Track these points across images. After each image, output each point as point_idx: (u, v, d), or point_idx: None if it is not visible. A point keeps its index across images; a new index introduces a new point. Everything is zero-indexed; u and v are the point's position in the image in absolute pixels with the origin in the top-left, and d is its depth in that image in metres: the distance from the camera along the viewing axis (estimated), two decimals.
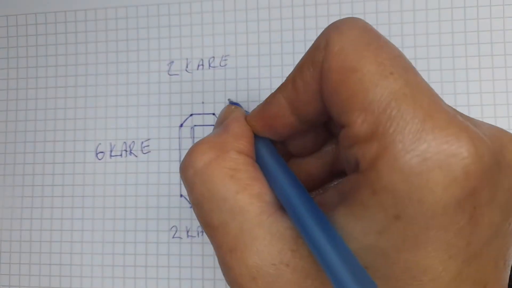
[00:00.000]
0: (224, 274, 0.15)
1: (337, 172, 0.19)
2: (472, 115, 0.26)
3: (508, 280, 0.15)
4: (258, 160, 0.17)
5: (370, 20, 0.27)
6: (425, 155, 0.12)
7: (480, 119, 0.25)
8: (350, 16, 0.27)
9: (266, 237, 0.14)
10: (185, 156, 0.16)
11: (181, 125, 0.28)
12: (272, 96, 0.17)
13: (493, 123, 0.25)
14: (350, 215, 0.13)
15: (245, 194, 0.15)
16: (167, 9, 0.29)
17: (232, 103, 0.23)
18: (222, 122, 0.18)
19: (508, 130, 0.25)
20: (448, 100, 0.26)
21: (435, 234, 0.12)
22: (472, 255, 0.12)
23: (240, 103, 0.27)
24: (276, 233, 0.14)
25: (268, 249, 0.14)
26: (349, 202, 0.13)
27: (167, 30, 0.28)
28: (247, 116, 0.18)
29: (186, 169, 0.16)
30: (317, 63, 0.14)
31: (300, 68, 0.15)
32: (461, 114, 0.14)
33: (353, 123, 0.13)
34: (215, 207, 0.15)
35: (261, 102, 0.18)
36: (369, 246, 0.13)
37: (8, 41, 0.30)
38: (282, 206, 0.15)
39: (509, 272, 0.15)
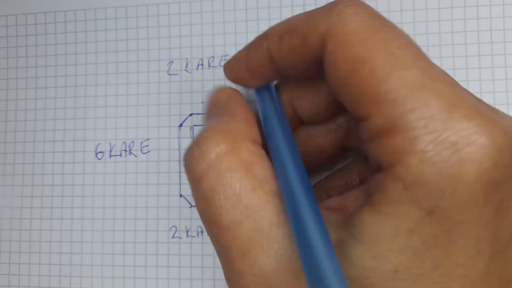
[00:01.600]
0: (230, 281, 0.14)
1: (348, 147, 0.18)
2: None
3: None
4: (261, 113, 0.16)
5: None
6: (456, 146, 0.11)
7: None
8: None
9: (285, 240, 0.13)
10: (193, 146, 0.14)
11: (181, 125, 0.28)
12: (256, 42, 0.16)
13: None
14: (380, 214, 0.12)
15: (262, 191, 0.14)
16: (166, 8, 0.29)
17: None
18: (222, 106, 0.17)
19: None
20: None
21: (466, 228, 0.12)
22: (498, 250, 0.12)
23: None
24: None
25: (288, 253, 0.13)
26: (378, 200, 0.13)
27: (167, 30, 0.28)
28: (225, 65, 0.16)
29: (197, 160, 0.14)
30: (310, 44, 0.14)
31: (289, 31, 0.14)
32: (484, 103, 0.14)
33: (370, 117, 0.12)
34: (227, 204, 0.13)
35: (237, 51, 0.16)
36: (400, 246, 0.12)
37: (7, 41, 0.30)
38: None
39: None
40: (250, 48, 0.16)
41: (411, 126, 0.12)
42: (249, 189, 0.13)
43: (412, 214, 0.12)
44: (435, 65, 0.13)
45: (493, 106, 0.25)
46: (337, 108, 0.17)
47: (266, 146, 0.15)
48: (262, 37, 0.16)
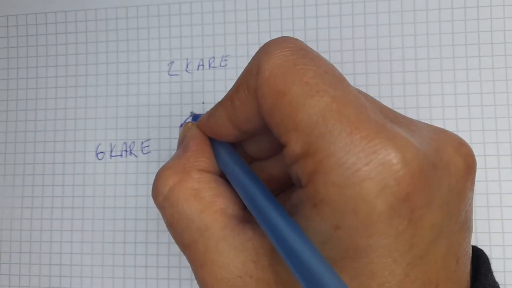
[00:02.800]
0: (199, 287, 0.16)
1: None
2: (472, 115, 0.26)
3: (468, 277, 0.15)
4: (219, 163, 0.18)
5: (370, 20, 0.27)
6: (355, 167, 0.12)
7: (480, 120, 0.25)
8: (351, 15, 0.27)
9: (230, 251, 0.15)
10: (153, 183, 0.17)
11: (181, 126, 0.28)
12: (215, 109, 0.17)
13: (493, 124, 0.25)
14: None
15: (209, 212, 0.16)
16: (167, 9, 0.29)
17: (195, 116, 0.24)
18: (181, 142, 0.19)
19: (507, 130, 0.25)
20: (449, 100, 0.26)
21: (375, 241, 0.12)
22: (417, 256, 0.13)
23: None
24: (239, 245, 0.15)
25: (233, 262, 0.15)
26: (296, 215, 0.14)
27: (167, 30, 0.28)
28: (196, 124, 0.19)
29: (156, 196, 0.17)
30: (251, 87, 0.15)
31: (236, 89, 0.16)
32: (397, 119, 0.15)
33: (289, 143, 0.14)
34: (185, 227, 0.16)
35: (208, 110, 0.18)
36: None
37: (8, 41, 0.30)
38: (244, 218, 0.16)
39: (467, 268, 0.15)
40: (210, 115, 0.18)
41: (319, 150, 0.13)
42: (199, 211, 0.16)
43: (321, 228, 0.13)
44: (349, 89, 0.14)
45: (493, 106, 0.25)
46: (280, 145, 0.19)
47: (221, 165, 0.18)
48: (218, 104, 0.18)
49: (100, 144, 0.29)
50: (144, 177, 0.28)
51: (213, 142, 0.18)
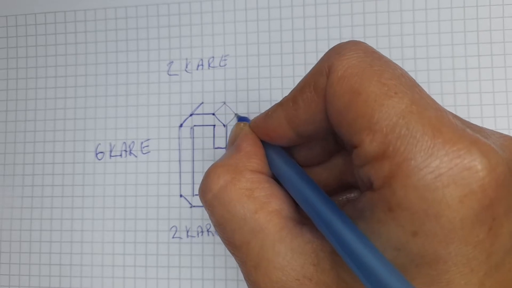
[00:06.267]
0: None
1: (346, 184, 0.19)
2: (471, 115, 0.26)
3: None
4: (272, 167, 0.17)
5: (369, 19, 0.27)
6: (438, 171, 0.12)
7: (480, 119, 0.25)
8: (350, 14, 0.27)
9: (287, 253, 0.15)
10: (202, 180, 0.17)
11: (181, 125, 0.28)
12: (273, 110, 0.17)
13: (492, 123, 0.25)
14: (368, 232, 0.13)
15: (263, 212, 0.15)
16: (166, 9, 0.29)
17: (240, 118, 0.24)
18: (234, 141, 0.19)
19: (506, 129, 0.25)
20: (448, 100, 0.26)
21: (454, 249, 0.12)
22: (494, 266, 0.12)
23: (240, 101, 0.27)
24: (297, 248, 0.15)
25: (291, 264, 0.15)
26: (367, 219, 0.13)
27: (167, 30, 0.28)
28: (249, 125, 0.19)
29: (205, 193, 0.16)
30: (320, 87, 0.15)
31: (301, 89, 0.16)
32: (471, 126, 0.14)
33: (362, 143, 0.13)
34: (236, 228, 0.15)
35: (263, 112, 0.18)
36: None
37: (7, 41, 0.30)
38: (300, 220, 0.16)
39: None
40: (267, 116, 0.18)
41: (398, 152, 0.12)
42: (252, 212, 0.15)
43: (396, 234, 0.13)
44: (425, 94, 0.14)
45: (492, 106, 0.25)
46: (331, 152, 0.19)
47: (275, 169, 0.17)
48: (277, 106, 0.17)
49: (99, 144, 0.29)
50: (144, 177, 0.28)
51: (265, 145, 0.18)
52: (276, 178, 0.17)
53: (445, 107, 0.25)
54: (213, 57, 0.28)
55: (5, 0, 0.30)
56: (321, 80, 0.15)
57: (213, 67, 0.28)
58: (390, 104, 0.13)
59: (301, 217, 0.16)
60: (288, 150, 0.18)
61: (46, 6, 0.30)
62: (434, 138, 0.12)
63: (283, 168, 0.17)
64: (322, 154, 0.18)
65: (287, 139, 0.17)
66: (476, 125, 0.15)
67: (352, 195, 0.19)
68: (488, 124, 0.25)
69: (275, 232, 0.15)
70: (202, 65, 0.28)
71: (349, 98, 0.14)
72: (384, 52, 0.26)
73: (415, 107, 0.13)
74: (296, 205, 0.17)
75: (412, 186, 0.12)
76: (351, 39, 0.16)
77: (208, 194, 0.16)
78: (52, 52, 0.30)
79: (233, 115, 0.27)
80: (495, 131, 0.15)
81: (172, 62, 0.28)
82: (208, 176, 0.16)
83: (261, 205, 0.16)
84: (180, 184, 0.27)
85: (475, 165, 0.12)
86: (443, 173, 0.12)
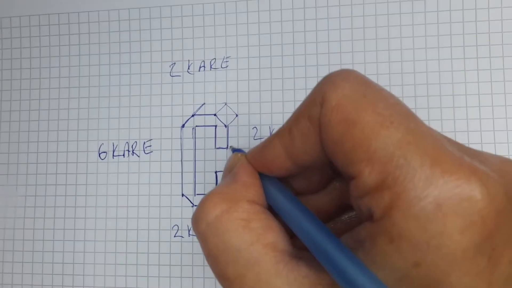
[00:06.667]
0: None
1: (345, 206, 0.19)
2: (469, 117, 0.26)
3: None
4: (269, 199, 0.17)
5: (369, 22, 0.27)
6: (438, 201, 0.12)
7: (477, 120, 0.26)
8: (350, 17, 0.27)
9: (284, 287, 0.14)
10: (197, 209, 0.16)
11: (183, 126, 0.28)
12: (270, 140, 0.17)
13: (490, 125, 0.26)
14: (370, 262, 0.13)
15: (259, 245, 0.15)
16: (169, 11, 0.29)
17: (234, 150, 0.24)
18: (230, 171, 0.18)
19: (506, 130, 0.25)
20: (448, 101, 0.26)
21: (455, 278, 0.12)
22: None
23: (242, 102, 0.27)
24: (294, 282, 0.14)
25: None
26: (367, 249, 0.13)
27: (169, 32, 0.29)
28: (246, 156, 0.18)
29: (198, 222, 0.16)
30: (314, 118, 0.15)
31: (296, 120, 0.15)
32: (469, 151, 0.14)
33: (361, 174, 0.13)
34: (230, 260, 0.15)
35: (259, 143, 0.18)
36: None
37: (11, 42, 0.30)
38: (296, 254, 0.15)
39: None
40: (264, 147, 0.17)
41: (397, 182, 0.12)
42: (248, 243, 0.15)
43: (398, 265, 0.12)
44: (420, 122, 0.14)
45: (491, 107, 0.26)
46: (329, 179, 0.19)
47: (271, 200, 0.17)
48: (274, 136, 0.17)
49: (102, 144, 0.29)
50: (146, 176, 0.28)
51: (261, 176, 0.18)
52: (272, 210, 0.17)
53: (444, 109, 0.25)
54: (214, 58, 0.28)
55: (9, 1, 0.31)
56: (315, 110, 0.15)
57: (215, 68, 0.28)
58: (387, 134, 0.13)
59: (297, 250, 0.16)
60: (285, 180, 0.18)
61: (49, 8, 0.30)
62: (433, 167, 0.12)
63: (281, 200, 0.17)
64: (320, 182, 0.18)
65: (285, 170, 0.17)
66: (474, 150, 0.15)
67: (354, 213, 0.19)
68: (487, 126, 0.26)
69: (272, 265, 0.15)
70: (204, 66, 0.28)
71: (344, 128, 0.13)
72: (384, 54, 0.27)
73: (412, 136, 0.13)
74: (290, 238, 0.16)
75: (413, 216, 0.12)
76: (343, 69, 0.16)
77: (202, 223, 0.15)
78: (56, 53, 0.30)
79: (234, 115, 0.28)
80: (494, 155, 0.15)
81: (175, 63, 0.29)
82: (203, 204, 0.16)
83: (257, 237, 0.15)
84: (182, 183, 0.28)
85: (474, 195, 0.12)
86: (443, 203, 0.12)
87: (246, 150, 0.27)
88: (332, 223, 0.19)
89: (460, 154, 0.13)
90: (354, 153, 0.13)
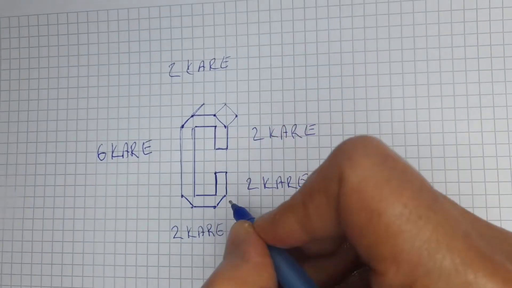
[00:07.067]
0: None
1: (359, 265, 0.18)
2: (471, 117, 0.26)
3: None
4: (280, 276, 0.17)
5: (369, 21, 0.27)
6: None
7: (479, 121, 0.26)
8: (350, 17, 0.27)
9: None
10: None
11: (182, 126, 0.28)
12: (282, 214, 0.16)
13: (491, 125, 0.25)
14: None
15: None
16: (168, 11, 0.29)
17: (236, 208, 0.23)
18: (237, 244, 0.17)
19: (507, 131, 0.25)
20: (448, 101, 0.26)
21: None
22: None
23: (241, 103, 0.27)
24: None
25: None
26: None
27: (169, 32, 0.29)
28: (255, 228, 0.17)
29: None
30: (331, 196, 0.14)
31: (311, 195, 0.15)
32: (493, 241, 0.14)
33: (386, 273, 0.12)
34: None
35: (267, 214, 0.17)
36: None
37: (10, 42, 0.30)
38: None
39: None
40: (276, 220, 0.16)
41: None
42: None
43: None
44: (448, 211, 0.13)
45: (491, 108, 0.25)
46: (341, 242, 0.18)
47: (279, 274, 0.16)
48: (285, 209, 0.16)
49: (101, 144, 0.29)
50: (145, 177, 0.28)
51: (270, 249, 0.17)
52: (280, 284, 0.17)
53: (445, 109, 0.25)
54: (214, 58, 0.28)
55: (7, 2, 0.30)
56: (332, 187, 0.14)
57: (214, 68, 0.28)
58: (414, 232, 0.12)
59: None
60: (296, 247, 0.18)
61: (48, 8, 0.30)
62: (466, 273, 0.11)
63: (293, 283, 0.16)
64: (334, 246, 0.17)
65: (299, 242, 0.16)
66: (497, 230, 0.14)
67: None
68: (488, 127, 0.26)
69: None
70: (204, 66, 0.28)
71: (367, 218, 0.13)
72: (385, 54, 0.27)
73: (441, 235, 0.12)
74: None
75: None
76: (360, 135, 0.14)
77: None
78: (54, 53, 0.30)
79: (234, 115, 0.27)
80: None
81: (174, 63, 0.29)
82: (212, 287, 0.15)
83: None
84: (181, 184, 0.28)
85: None
86: None
87: (246, 151, 0.27)
88: (343, 285, 0.18)
89: (490, 251, 0.12)
90: (377, 249, 0.12)
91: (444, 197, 0.14)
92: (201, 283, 0.27)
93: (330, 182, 0.14)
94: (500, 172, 0.25)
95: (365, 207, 0.13)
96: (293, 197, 0.15)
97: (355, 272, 0.18)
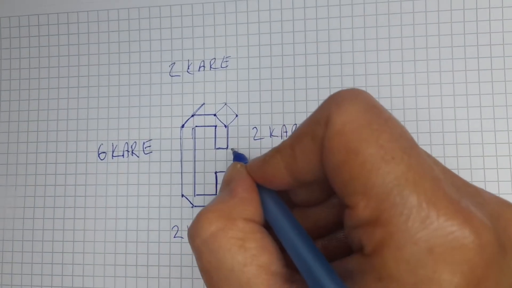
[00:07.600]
0: None
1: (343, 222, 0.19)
2: (471, 117, 0.26)
3: None
4: (266, 214, 0.17)
5: (369, 21, 0.27)
6: (430, 246, 0.12)
7: (479, 121, 0.26)
8: (350, 16, 0.27)
9: None
10: (192, 223, 0.16)
11: (183, 126, 0.28)
12: (271, 155, 0.17)
13: (491, 125, 0.26)
14: None
15: (253, 266, 0.15)
16: (168, 11, 0.29)
17: (236, 154, 0.24)
18: (229, 182, 0.18)
19: (507, 130, 0.25)
20: (449, 101, 0.26)
21: None
22: None
23: (241, 102, 0.27)
24: None
25: None
26: (356, 282, 0.13)
27: (169, 32, 0.29)
28: (246, 167, 0.18)
29: (193, 237, 0.16)
30: (317, 138, 0.14)
31: (299, 138, 0.15)
32: (468, 190, 0.14)
33: (355, 206, 0.13)
34: (223, 277, 0.15)
35: (261, 156, 0.18)
36: None
37: (10, 42, 0.30)
38: (289, 276, 0.15)
39: None
40: (265, 161, 0.17)
41: (391, 221, 0.12)
42: (241, 264, 0.15)
43: None
44: (422, 157, 0.13)
45: (491, 107, 0.26)
46: (330, 192, 0.18)
47: (267, 213, 0.17)
48: (275, 152, 0.16)
49: (102, 144, 0.29)
50: (146, 177, 0.28)
51: (260, 189, 0.17)
52: (268, 225, 0.17)
53: (445, 109, 0.25)
54: (214, 58, 0.28)
55: (7, 1, 0.31)
56: (319, 130, 0.14)
57: (215, 68, 0.28)
58: (386, 169, 0.13)
59: (290, 271, 0.16)
60: (284, 192, 0.18)
61: (48, 7, 0.30)
62: (428, 210, 0.12)
63: (278, 219, 0.16)
64: (321, 195, 0.18)
65: (286, 185, 0.17)
66: (474, 188, 0.14)
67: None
68: (488, 126, 0.26)
69: None
70: (204, 66, 0.28)
71: (345, 157, 0.13)
72: (385, 54, 0.27)
73: (411, 174, 0.13)
74: (285, 259, 0.16)
75: (404, 260, 0.12)
76: (352, 88, 0.15)
77: (197, 239, 0.16)
78: (55, 53, 0.30)
79: (234, 115, 0.27)
80: (493, 196, 0.15)
81: (174, 63, 0.29)
82: (199, 220, 0.16)
83: (251, 258, 0.15)
84: (182, 184, 0.28)
85: (466, 245, 0.12)
86: (435, 249, 0.12)
87: (246, 151, 0.27)
88: (327, 239, 0.19)
89: (458, 196, 0.13)
90: (351, 184, 0.13)
91: (425, 152, 0.15)
92: (201, 282, 0.27)
93: (317, 125, 0.14)
94: (500, 172, 0.25)
95: (344, 148, 0.13)
96: (283, 141, 0.16)
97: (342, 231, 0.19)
